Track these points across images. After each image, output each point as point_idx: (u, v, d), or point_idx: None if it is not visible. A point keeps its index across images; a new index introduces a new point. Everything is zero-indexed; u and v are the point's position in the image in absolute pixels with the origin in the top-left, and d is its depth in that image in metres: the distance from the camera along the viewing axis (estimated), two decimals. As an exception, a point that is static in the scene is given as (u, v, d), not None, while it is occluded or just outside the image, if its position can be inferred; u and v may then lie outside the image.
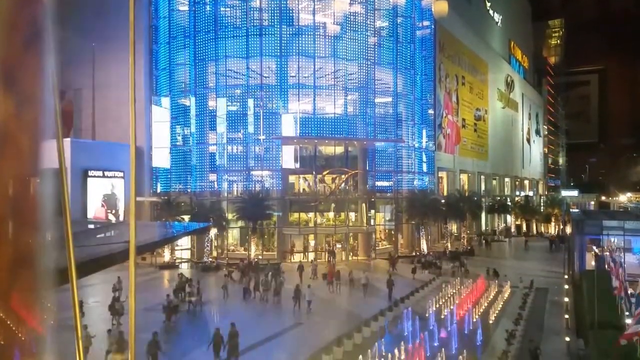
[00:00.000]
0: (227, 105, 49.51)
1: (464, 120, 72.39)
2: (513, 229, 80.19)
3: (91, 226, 17.07)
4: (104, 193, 47.83)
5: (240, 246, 48.90)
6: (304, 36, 47.56)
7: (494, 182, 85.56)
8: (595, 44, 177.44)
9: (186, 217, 44.33)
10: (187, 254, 48.06)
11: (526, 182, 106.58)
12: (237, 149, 49.86)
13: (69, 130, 52.49)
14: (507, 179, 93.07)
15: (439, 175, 64.52)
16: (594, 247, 39.72)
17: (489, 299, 30.37)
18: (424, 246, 50.46)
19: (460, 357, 19.21)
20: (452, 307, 26.16)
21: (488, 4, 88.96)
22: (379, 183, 52.43)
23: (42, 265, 2.55)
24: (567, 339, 21.96)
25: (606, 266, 30.04)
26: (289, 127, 47.58)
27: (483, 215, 70.05)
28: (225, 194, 48.65)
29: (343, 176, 47.81)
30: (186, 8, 51.17)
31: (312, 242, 47.74)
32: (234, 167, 49.24)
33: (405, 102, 54.26)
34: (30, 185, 2.51)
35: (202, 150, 49.95)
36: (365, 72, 49.91)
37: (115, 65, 47.29)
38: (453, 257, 43.48)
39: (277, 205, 46.28)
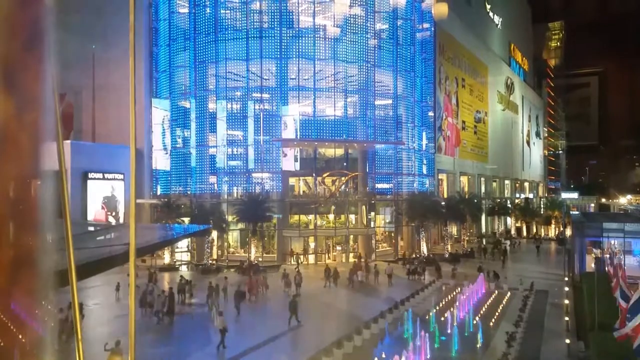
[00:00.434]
0: (227, 108, 49.54)
1: (464, 122, 72.41)
2: (513, 232, 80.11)
3: (91, 228, 17.07)
4: (104, 195, 47.86)
5: (240, 248, 48.87)
6: (304, 38, 47.61)
7: (494, 184, 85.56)
8: (595, 46, 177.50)
9: (186, 219, 44.32)
10: (187, 256, 48.03)
11: (526, 184, 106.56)
12: (237, 151, 49.88)
13: (69, 132, 52.54)
14: (507, 181, 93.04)
15: (439, 177, 64.53)
16: (594, 250, 39.71)
17: (489, 302, 30.35)
18: (424, 248, 50.43)
19: (461, 359, 19.18)
20: (452, 310, 26.13)
21: (488, 7, 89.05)
22: (379, 185, 52.43)
23: (43, 267, 2.56)
24: (568, 341, 21.93)
25: (606, 268, 30.04)
26: (289, 129, 47.61)
27: (483, 217, 70.00)
28: (226, 196, 48.64)
29: (343, 178, 47.82)
30: (186, 10, 51.26)
31: (312, 244, 47.72)
32: (234, 169, 49.26)
33: (405, 104, 54.29)
34: (31, 187, 2.52)
35: (202, 153, 49.97)
36: (365, 75, 49.95)
37: (116, 67, 47.40)
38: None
39: (277, 208, 46.28)
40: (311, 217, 48.05)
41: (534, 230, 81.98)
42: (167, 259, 45.02)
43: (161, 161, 52.40)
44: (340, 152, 49.78)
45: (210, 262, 44.15)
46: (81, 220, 37.86)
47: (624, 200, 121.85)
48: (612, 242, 38.14)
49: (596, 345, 19.21)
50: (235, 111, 49.94)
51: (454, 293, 31.67)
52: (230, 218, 46.46)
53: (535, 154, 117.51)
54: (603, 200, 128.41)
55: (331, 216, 49.76)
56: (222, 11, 49.43)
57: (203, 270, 41.99)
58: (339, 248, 48.28)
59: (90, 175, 46.59)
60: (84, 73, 49.51)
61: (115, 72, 47.73)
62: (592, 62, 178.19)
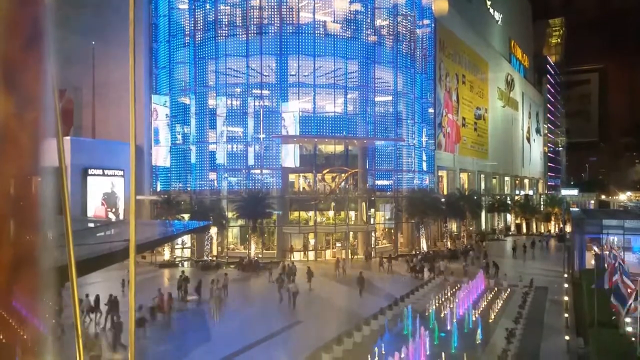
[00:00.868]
0: (227, 104, 49.50)
1: (464, 119, 72.38)
2: (513, 228, 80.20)
3: (91, 225, 17.10)
4: (104, 191, 47.87)
5: (240, 245, 48.91)
6: (304, 35, 47.53)
7: (494, 181, 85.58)
8: (595, 43, 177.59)
9: (186, 216, 44.35)
10: (187, 253, 48.08)
11: (526, 181, 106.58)
12: (237, 147, 49.85)
13: (69, 129, 52.50)
14: (507, 178, 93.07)
15: (439, 174, 64.54)
16: (594, 246, 39.76)
17: (489, 298, 30.40)
18: (423, 245, 50.47)
19: (460, 356, 19.23)
20: (451, 306, 26.18)
21: (488, 3, 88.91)
22: (379, 182, 52.44)
23: (43, 263, 2.57)
24: (567, 337, 21.98)
25: (605, 265, 30.06)
26: (289, 125, 47.60)
27: (483, 214, 70.07)
28: (225, 193, 48.65)
29: (343, 175, 47.83)
30: (186, 6, 51.14)
31: (312, 241, 47.77)
32: (234, 166, 49.25)
33: (405, 100, 54.25)
34: (31, 184, 2.52)
35: (202, 149, 49.94)
36: (365, 71, 49.90)
37: (115, 63, 47.30)
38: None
39: (277, 204, 46.29)
40: (311, 213, 48.06)
41: (534, 227, 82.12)
42: (167, 255, 45.06)
43: (163, 157, 52.41)
44: (340, 148, 49.77)
45: (210, 258, 44.19)
46: (81, 217, 37.93)
47: (624, 197, 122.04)
48: (612, 238, 38.15)
49: (595, 341, 19.26)
50: (235, 107, 49.90)
51: (454, 290, 31.71)
52: (230, 214, 46.48)
53: (535, 150, 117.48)
54: (603, 197, 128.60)
55: (331, 213, 49.78)
56: (221, 7, 49.32)
57: (203, 266, 42.04)
58: (338, 244, 48.32)
59: (90, 171, 46.59)
60: (84, 69, 49.41)
61: (115, 69, 47.65)
62: (593, 59, 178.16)
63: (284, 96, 47.97)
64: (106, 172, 47.92)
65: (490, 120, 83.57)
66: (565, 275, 37.84)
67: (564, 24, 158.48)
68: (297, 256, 46.18)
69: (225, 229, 46.39)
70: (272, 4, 47.50)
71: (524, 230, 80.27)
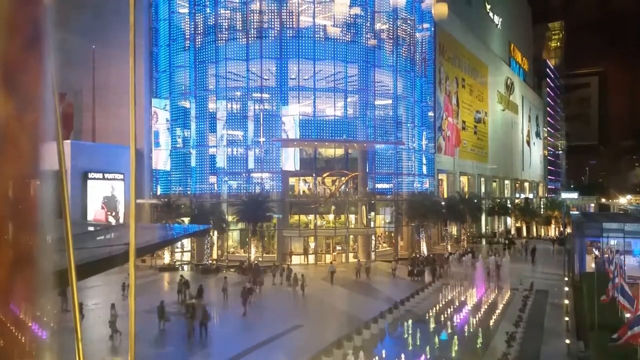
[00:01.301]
0: (227, 108, 49.53)
1: (464, 122, 72.43)
2: (513, 232, 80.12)
3: (91, 228, 17.07)
4: (104, 195, 47.84)
5: (240, 248, 48.87)
6: (304, 38, 47.59)
7: (494, 184, 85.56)
8: (595, 46, 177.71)
9: (186, 219, 44.30)
10: (187, 256, 48.02)
11: (526, 184, 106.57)
12: (237, 151, 49.86)
13: (69, 132, 52.51)
14: (507, 181, 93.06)
15: (439, 177, 64.53)
16: (594, 250, 39.68)
17: (489, 302, 30.34)
18: (424, 248, 50.41)
19: (461, 359, 19.17)
20: (452, 309, 26.13)
21: (488, 7, 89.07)
22: (379, 185, 52.42)
23: (43, 267, 2.56)
24: (567, 341, 21.93)
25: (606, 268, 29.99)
26: (289, 129, 47.62)
27: (483, 217, 70.02)
28: (226, 196, 48.63)
29: (343, 178, 47.80)
30: (186, 10, 51.25)
31: (312, 245, 47.71)
32: (234, 169, 49.24)
33: (405, 104, 54.30)
34: (31, 187, 2.52)
35: (202, 153, 49.96)
36: (365, 75, 49.95)
37: (116, 67, 47.37)
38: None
39: (277, 208, 46.26)
40: (311, 217, 48.03)
41: (534, 230, 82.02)
42: (167, 259, 45.01)
43: (163, 161, 52.42)
44: (340, 152, 49.77)
45: (210, 262, 44.15)
46: (81, 220, 37.86)
47: (624, 200, 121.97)
48: (612, 242, 38.09)
49: (596, 345, 19.21)
50: (235, 111, 49.92)
51: (454, 293, 31.66)
52: (230, 218, 46.46)
53: (535, 154, 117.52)
54: (603, 200, 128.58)
55: (331, 216, 49.75)
56: (222, 11, 49.42)
57: (203, 270, 41.98)
58: (339, 248, 48.26)
59: (90, 175, 46.58)
60: (84, 73, 49.48)
61: (115, 72, 47.71)
62: (592, 63, 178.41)
63: (284, 100, 48.01)
64: (106, 175, 47.90)
65: (490, 123, 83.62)
66: (566, 279, 37.80)
67: (564, 27, 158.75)
68: (297, 260, 46.14)
69: (225, 233, 46.36)
70: (272, 8, 47.59)
71: (524, 233, 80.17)
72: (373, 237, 49.51)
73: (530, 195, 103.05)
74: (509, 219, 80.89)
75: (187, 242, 47.33)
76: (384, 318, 24.96)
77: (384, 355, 18.85)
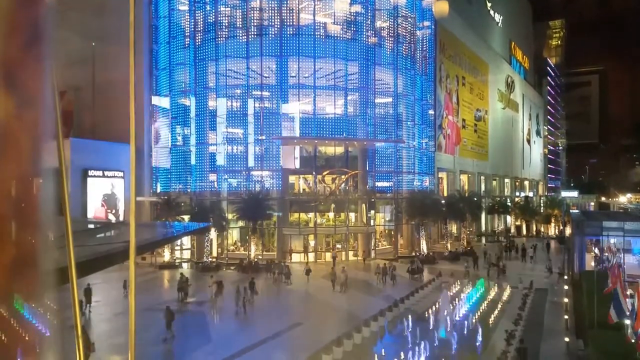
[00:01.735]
0: (227, 105, 49.51)
1: (464, 120, 72.39)
2: (513, 230, 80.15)
3: (91, 226, 17.08)
4: (104, 193, 47.88)
5: (240, 246, 48.90)
6: (304, 36, 47.55)
7: (494, 182, 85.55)
8: (596, 45, 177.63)
9: (186, 217, 44.33)
10: (187, 254, 48.07)
11: (526, 182, 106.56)
12: (237, 149, 49.87)
13: (69, 130, 52.43)
14: (507, 180, 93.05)
15: (439, 175, 64.51)
16: (594, 248, 39.71)
17: (489, 300, 30.38)
18: (423, 246, 50.46)
19: (460, 357, 19.20)
20: (451, 307, 26.15)
21: (489, 5, 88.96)
22: (379, 183, 52.42)
23: (43, 264, 2.57)
24: (567, 339, 21.97)
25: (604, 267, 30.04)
26: (289, 127, 47.61)
27: (483, 216, 70.03)
28: (225, 194, 48.64)
29: (343, 176, 47.82)
30: (186, 8, 51.20)
31: (312, 243, 47.75)
32: (234, 167, 49.25)
33: (406, 102, 54.28)
34: (31, 185, 2.52)
35: (202, 150, 49.95)
36: (365, 73, 49.92)
37: (116, 64, 47.29)
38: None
39: (277, 206, 46.29)
40: (311, 215, 48.06)
41: (534, 228, 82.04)
42: (167, 256, 45.05)
43: (163, 159, 52.42)
44: (340, 150, 49.76)
45: (210, 259, 44.18)
46: (81, 218, 37.90)
47: (624, 199, 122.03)
48: (612, 240, 38.09)
49: (595, 343, 19.25)
50: (235, 109, 49.91)
51: (453, 291, 31.69)
52: (230, 216, 46.48)
53: (536, 152, 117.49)
54: (603, 199, 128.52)
55: (331, 214, 49.77)
56: (222, 9, 49.36)
57: (203, 268, 42.02)
58: (338, 246, 48.29)
59: (91, 172, 46.61)
60: (84, 70, 49.44)
61: (115, 70, 47.62)
62: (593, 61, 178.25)
63: (284, 97, 47.99)
64: (106, 173, 47.93)
65: (490, 122, 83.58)
66: (565, 277, 37.84)
67: (564, 25, 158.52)
68: (297, 258, 46.19)
69: (225, 231, 46.38)
70: (272, 5, 47.54)
71: (524, 232, 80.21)
72: (373, 236, 49.56)
73: (530, 194, 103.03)
74: (509, 218, 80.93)
75: (187, 240, 47.36)
76: (383, 316, 24.97)
77: (383, 353, 18.86)
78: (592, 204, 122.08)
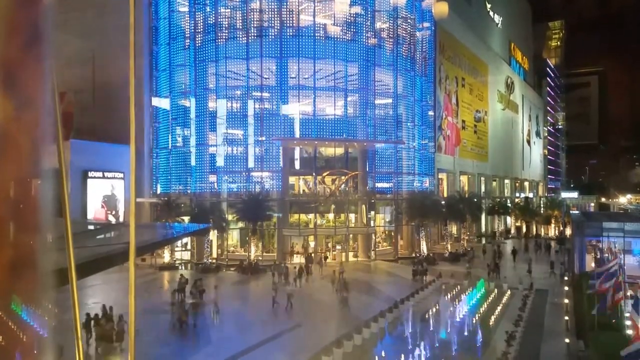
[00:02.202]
0: (227, 106, 49.50)
1: (463, 121, 72.39)
2: (513, 231, 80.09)
3: (91, 227, 17.07)
4: (104, 194, 47.85)
5: (240, 247, 48.87)
6: (304, 37, 47.56)
7: (494, 183, 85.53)
8: (595, 46, 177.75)
9: (186, 218, 44.30)
10: (187, 255, 48.02)
11: (526, 183, 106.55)
12: (237, 150, 49.85)
13: (69, 132, 52.39)
14: (507, 181, 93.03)
15: (439, 176, 64.51)
16: (594, 249, 39.71)
17: (489, 301, 30.35)
18: (423, 247, 50.44)
19: (461, 358, 19.18)
20: (452, 308, 26.14)
21: (488, 6, 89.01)
22: (379, 184, 52.40)
23: (43, 265, 2.56)
24: (567, 340, 21.94)
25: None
26: (289, 128, 47.60)
27: (483, 216, 70.00)
28: (225, 195, 48.62)
29: (343, 177, 47.81)
30: (186, 9, 51.20)
31: (312, 244, 47.72)
32: (234, 168, 49.23)
33: (405, 103, 54.28)
34: (31, 186, 2.52)
35: (202, 151, 49.93)
36: (365, 74, 49.92)
37: (116, 66, 47.29)
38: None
39: (277, 207, 46.27)
40: (311, 216, 48.03)
41: (534, 229, 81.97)
42: (167, 257, 45.02)
43: (163, 160, 52.39)
44: (340, 151, 49.75)
45: (210, 261, 44.15)
46: (81, 219, 37.88)
47: (624, 199, 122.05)
48: (612, 241, 38.10)
49: (595, 344, 19.24)
50: (235, 110, 49.89)
51: (454, 292, 31.68)
52: (230, 217, 46.46)
53: (535, 153, 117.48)
54: (603, 199, 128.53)
55: (331, 215, 49.75)
56: (222, 10, 49.37)
57: (203, 269, 41.99)
58: (338, 247, 48.27)
59: (90, 174, 46.58)
60: (84, 71, 49.43)
61: (115, 71, 47.65)
62: (593, 62, 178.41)
63: (284, 99, 47.99)
64: (106, 174, 47.90)
65: (490, 123, 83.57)
66: (566, 278, 37.82)
67: (564, 26, 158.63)
68: (297, 259, 46.14)
69: (225, 232, 46.36)
70: (272, 6, 47.55)
71: (524, 232, 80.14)
72: (373, 236, 49.54)
73: (530, 195, 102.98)
74: (509, 218, 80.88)
75: (187, 241, 47.32)
76: (384, 317, 24.94)
77: (383, 354, 18.84)
78: (592, 204, 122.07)
